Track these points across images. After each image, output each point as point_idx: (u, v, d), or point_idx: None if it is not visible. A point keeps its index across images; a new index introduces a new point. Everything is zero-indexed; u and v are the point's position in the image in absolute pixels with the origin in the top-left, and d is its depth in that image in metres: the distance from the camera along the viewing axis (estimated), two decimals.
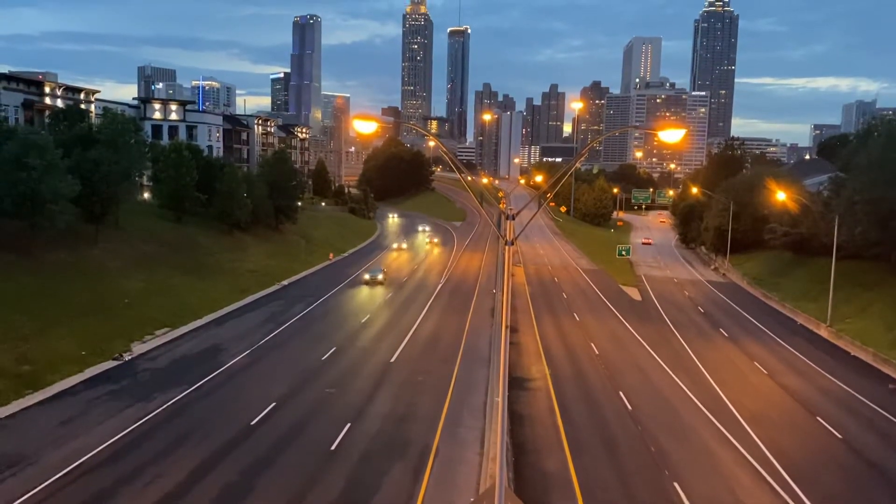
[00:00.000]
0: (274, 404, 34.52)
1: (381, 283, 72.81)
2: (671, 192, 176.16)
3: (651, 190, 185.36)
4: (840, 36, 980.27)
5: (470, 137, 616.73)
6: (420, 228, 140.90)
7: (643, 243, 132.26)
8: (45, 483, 25.01)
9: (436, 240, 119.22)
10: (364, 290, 70.03)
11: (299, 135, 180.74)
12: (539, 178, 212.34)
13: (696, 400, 38.82)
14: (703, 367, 46.39)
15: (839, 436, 34.28)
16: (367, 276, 74.03)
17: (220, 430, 31.09)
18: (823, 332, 58.77)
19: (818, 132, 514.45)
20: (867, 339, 52.57)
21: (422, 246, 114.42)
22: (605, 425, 34.52)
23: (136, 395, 35.14)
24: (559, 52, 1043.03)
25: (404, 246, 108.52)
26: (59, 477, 25.55)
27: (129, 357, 41.83)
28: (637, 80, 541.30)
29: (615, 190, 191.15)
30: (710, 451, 31.59)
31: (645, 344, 52.55)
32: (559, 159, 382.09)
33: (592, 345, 51.56)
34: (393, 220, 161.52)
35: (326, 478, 26.68)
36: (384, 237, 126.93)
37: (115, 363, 40.40)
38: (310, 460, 28.20)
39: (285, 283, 71.76)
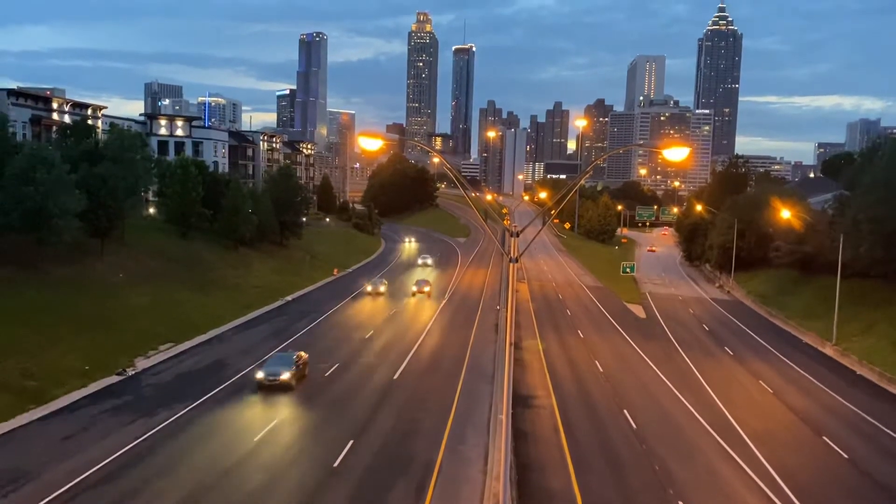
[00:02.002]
0: (277, 420, 34.39)
1: (287, 386, 39.27)
2: (675, 210, 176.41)
3: (655, 207, 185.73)
4: (844, 55, 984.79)
5: (474, 154, 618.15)
6: (420, 261, 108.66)
7: (648, 251, 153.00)
8: (47, 499, 24.88)
9: (427, 288, 77.73)
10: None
11: (304, 151, 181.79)
12: (543, 195, 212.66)
13: (700, 419, 38.59)
14: (708, 385, 46.16)
15: (845, 455, 34.00)
16: (260, 375, 39.68)
17: (224, 446, 30.96)
18: (829, 351, 58.47)
19: (822, 150, 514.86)
20: (873, 357, 52.29)
21: (408, 290, 79.64)
22: (609, 444, 34.32)
23: (140, 411, 35.07)
24: (563, 69, 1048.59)
25: (382, 289, 76.55)
26: (61, 493, 25.43)
27: (133, 372, 41.81)
28: (641, 97, 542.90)
29: (619, 207, 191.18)
30: (715, 471, 31.36)
31: (649, 362, 52.34)
32: (563, 176, 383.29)
33: (597, 362, 51.37)
34: (409, 244, 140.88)
35: (329, 495, 26.49)
36: (385, 258, 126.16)
37: (118, 378, 40.39)
38: (312, 477, 28.02)
39: (289, 298, 71.77)
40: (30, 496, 25.11)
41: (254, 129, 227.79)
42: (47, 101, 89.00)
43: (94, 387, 38.26)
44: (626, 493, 28.63)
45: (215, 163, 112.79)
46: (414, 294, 76.55)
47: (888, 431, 38.24)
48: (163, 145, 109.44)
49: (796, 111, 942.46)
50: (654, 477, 30.15)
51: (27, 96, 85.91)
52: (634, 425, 36.93)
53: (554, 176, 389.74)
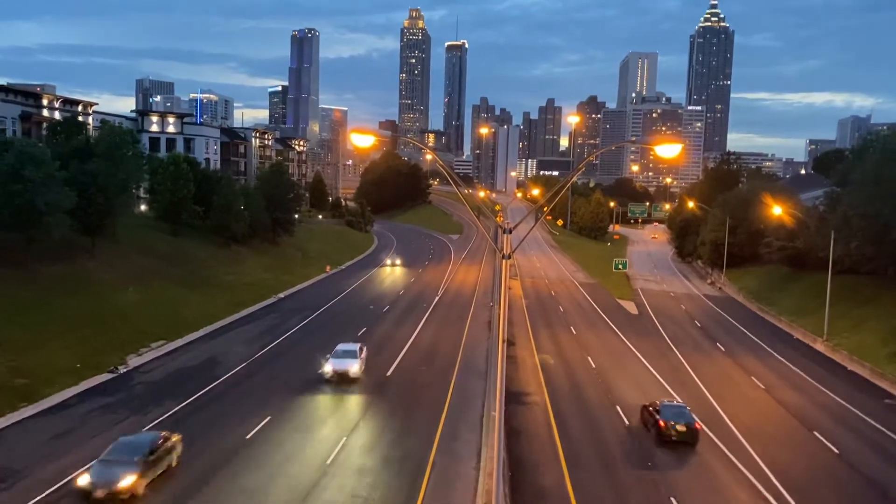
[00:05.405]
0: (269, 418, 34.29)
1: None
2: (667, 206, 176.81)
3: (647, 204, 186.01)
4: (835, 52, 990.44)
5: (467, 151, 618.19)
6: (329, 370, 41.21)
7: (652, 238, 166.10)
8: (37, 498, 24.79)
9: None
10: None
11: (297, 148, 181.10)
12: (536, 192, 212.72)
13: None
14: (700, 381, 46.33)
15: (836, 451, 34.21)
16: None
17: (215, 443, 30.86)
18: (820, 347, 58.75)
19: (813, 147, 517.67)
20: (863, 353, 52.58)
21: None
22: (602, 440, 34.41)
23: (131, 409, 34.94)
24: (556, 66, 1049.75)
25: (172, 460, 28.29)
26: (51, 492, 25.33)
27: (125, 370, 41.64)
28: (633, 94, 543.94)
29: (611, 204, 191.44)
30: (707, 466, 31.49)
31: (642, 358, 52.48)
32: (556, 173, 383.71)
33: (589, 358, 51.48)
34: (392, 269, 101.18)
35: (322, 492, 26.47)
36: (375, 257, 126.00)
37: (110, 376, 40.22)
38: (305, 474, 27.97)
39: (281, 295, 71.58)
40: (20, 495, 24.97)
41: (246, 125, 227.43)
42: (37, 97, 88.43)
43: (85, 385, 38.08)
44: (619, 490, 28.72)
45: (207, 160, 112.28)
46: None
47: (878, 426, 38.49)
48: (154, 142, 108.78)
49: (788, 108, 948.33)
50: (646, 473, 30.24)
51: (17, 92, 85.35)
52: (627, 422, 37.03)
53: (546, 173, 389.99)
